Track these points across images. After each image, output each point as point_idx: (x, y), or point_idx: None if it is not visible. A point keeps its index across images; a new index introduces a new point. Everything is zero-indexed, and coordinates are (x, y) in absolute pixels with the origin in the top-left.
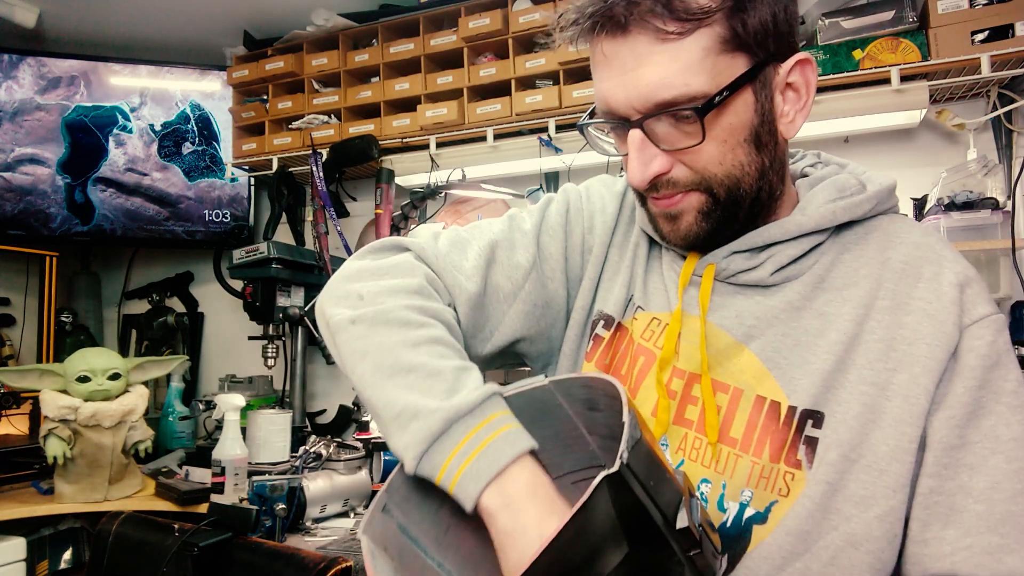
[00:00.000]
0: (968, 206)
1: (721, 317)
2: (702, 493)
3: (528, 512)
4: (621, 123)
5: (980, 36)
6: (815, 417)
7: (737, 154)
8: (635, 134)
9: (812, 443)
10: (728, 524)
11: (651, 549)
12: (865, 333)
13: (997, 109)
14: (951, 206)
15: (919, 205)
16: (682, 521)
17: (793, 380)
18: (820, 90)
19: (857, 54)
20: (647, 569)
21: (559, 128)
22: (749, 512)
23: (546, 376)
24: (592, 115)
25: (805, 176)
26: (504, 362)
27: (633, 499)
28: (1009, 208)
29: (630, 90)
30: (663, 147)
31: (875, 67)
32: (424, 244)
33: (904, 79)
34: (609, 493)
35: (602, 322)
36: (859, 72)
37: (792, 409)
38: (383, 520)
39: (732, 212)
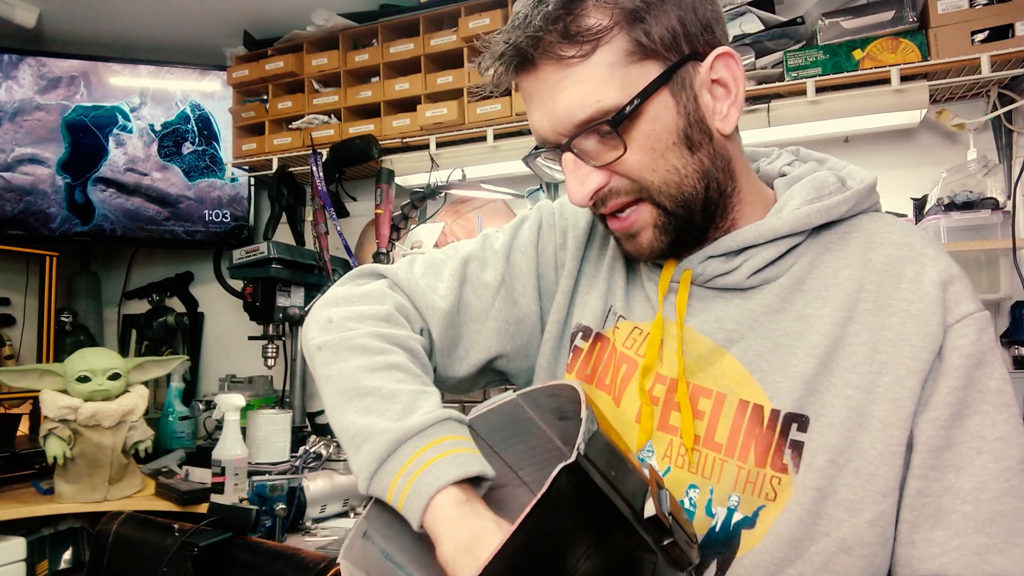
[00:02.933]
0: (968, 206)
1: (701, 322)
2: (691, 499)
3: (468, 529)
4: (554, 150)
5: (980, 36)
6: (799, 421)
7: (668, 159)
8: (567, 157)
9: (798, 447)
10: (717, 529)
11: (620, 539)
12: (848, 336)
13: (997, 109)
14: (951, 206)
15: (919, 205)
16: (650, 510)
17: (775, 383)
18: (820, 90)
19: (857, 54)
20: (618, 559)
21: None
22: (737, 517)
23: (514, 391)
24: (536, 149)
25: (784, 176)
26: (488, 381)
27: (595, 489)
28: (1009, 208)
29: (552, 118)
30: (594, 164)
31: (875, 67)
32: (399, 271)
33: (904, 79)
34: (570, 484)
35: (580, 334)
36: (859, 72)
37: (775, 412)
38: (364, 546)
39: (687, 219)
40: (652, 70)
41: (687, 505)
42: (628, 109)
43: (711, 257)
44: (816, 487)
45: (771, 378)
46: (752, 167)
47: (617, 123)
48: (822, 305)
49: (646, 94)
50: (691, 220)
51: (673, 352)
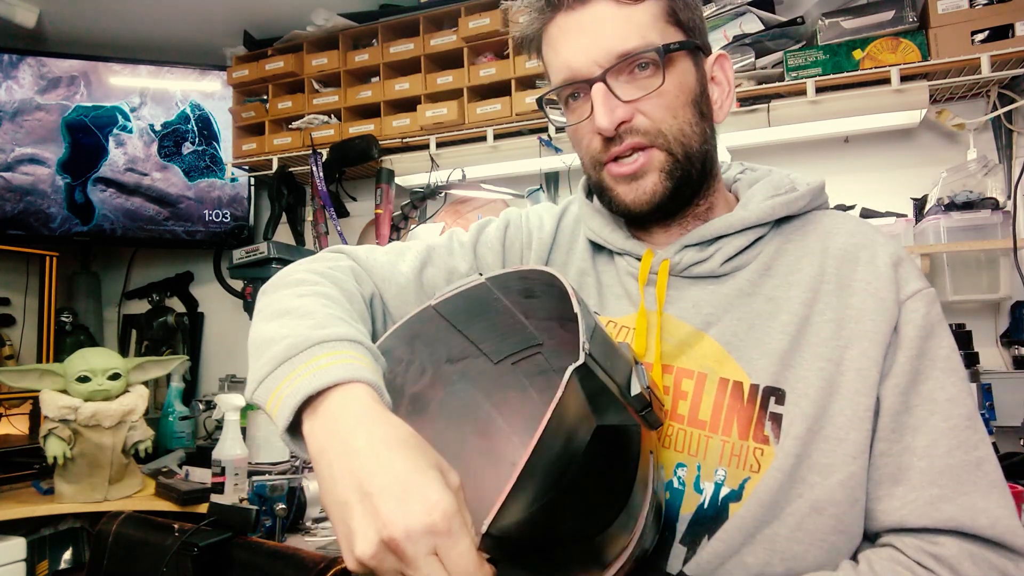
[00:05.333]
0: (968, 206)
1: (679, 309)
2: (679, 477)
3: (335, 431)
4: (584, 84)
5: (980, 36)
6: (777, 394)
7: (687, 112)
8: (599, 88)
9: (777, 419)
10: (705, 505)
11: (614, 418)
12: (815, 315)
13: (997, 109)
14: (951, 206)
15: (919, 205)
16: (635, 388)
17: (752, 360)
18: (820, 90)
19: (857, 54)
20: (612, 435)
21: (559, 128)
22: (724, 491)
23: (481, 274)
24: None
25: (739, 180)
26: None
27: (598, 383)
28: (1009, 208)
29: (592, 49)
30: (624, 99)
31: (875, 67)
32: (360, 250)
33: (904, 79)
34: (578, 382)
35: None
36: (859, 72)
37: (755, 387)
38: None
39: (687, 172)
40: (682, 36)
41: (676, 484)
42: (673, 47)
43: (687, 247)
44: (794, 454)
45: (748, 356)
46: None
47: (664, 53)
48: (788, 288)
49: (684, 45)
50: (690, 176)
51: (653, 338)
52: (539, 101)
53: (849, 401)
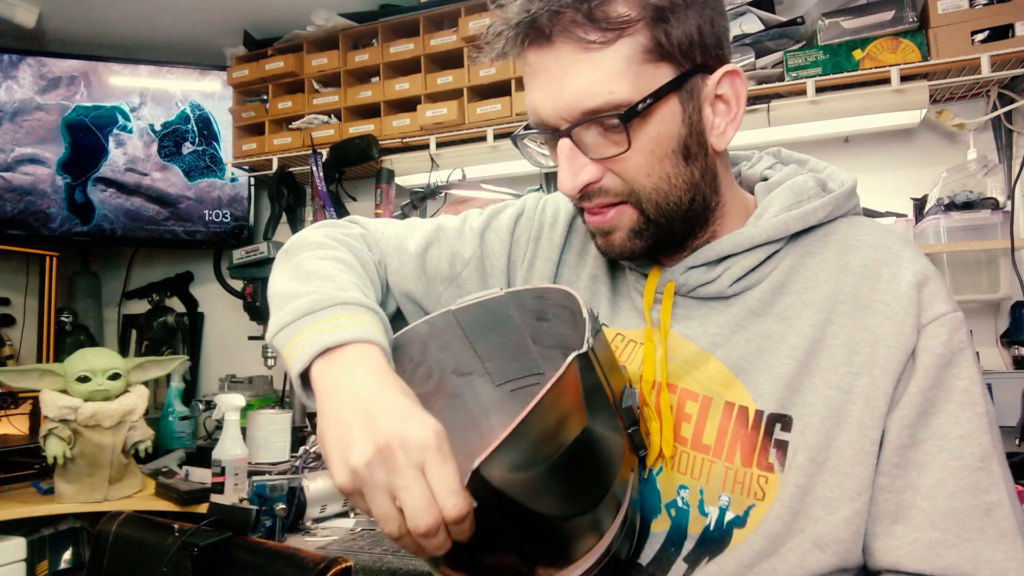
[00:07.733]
0: (968, 206)
1: (686, 327)
2: (683, 498)
3: (347, 375)
4: (551, 133)
5: (980, 36)
6: (783, 421)
7: (664, 165)
8: (564, 143)
9: (783, 447)
10: (711, 528)
11: (603, 423)
12: (827, 337)
13: (997, 109)
14: (951, 206)
15: (919, 205)
16: (627, 402)
17: (759, 385)
18: (820, 90)
19: (857, 54)
20: (598, 440)
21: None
22: (729, 516)
23: (502, 289)
24: (527, 128)
25: (765, 179)
26: None
27: (595, 379)
28: (1009, 208)
29: (556, 100)
30: (592, 156)
31: (875, 67)
32: (371, 222)
33: (904, 79)
34: (578, 370)
35: None
36: (859, 72)
37: (759, 413)
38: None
39: (665, 227)
40: (665, 73)
41: (680, 504)
42: (640, 107)
43: (692, 267)
44: (796, 484)
45: (755, 380)
46: (733, 171)
47: (628, 119)
48: (801, 308)
49: (659, 95)
50: (670, 230)
51: (658, 364)
52: (513, 139)
53: (856, 433)
